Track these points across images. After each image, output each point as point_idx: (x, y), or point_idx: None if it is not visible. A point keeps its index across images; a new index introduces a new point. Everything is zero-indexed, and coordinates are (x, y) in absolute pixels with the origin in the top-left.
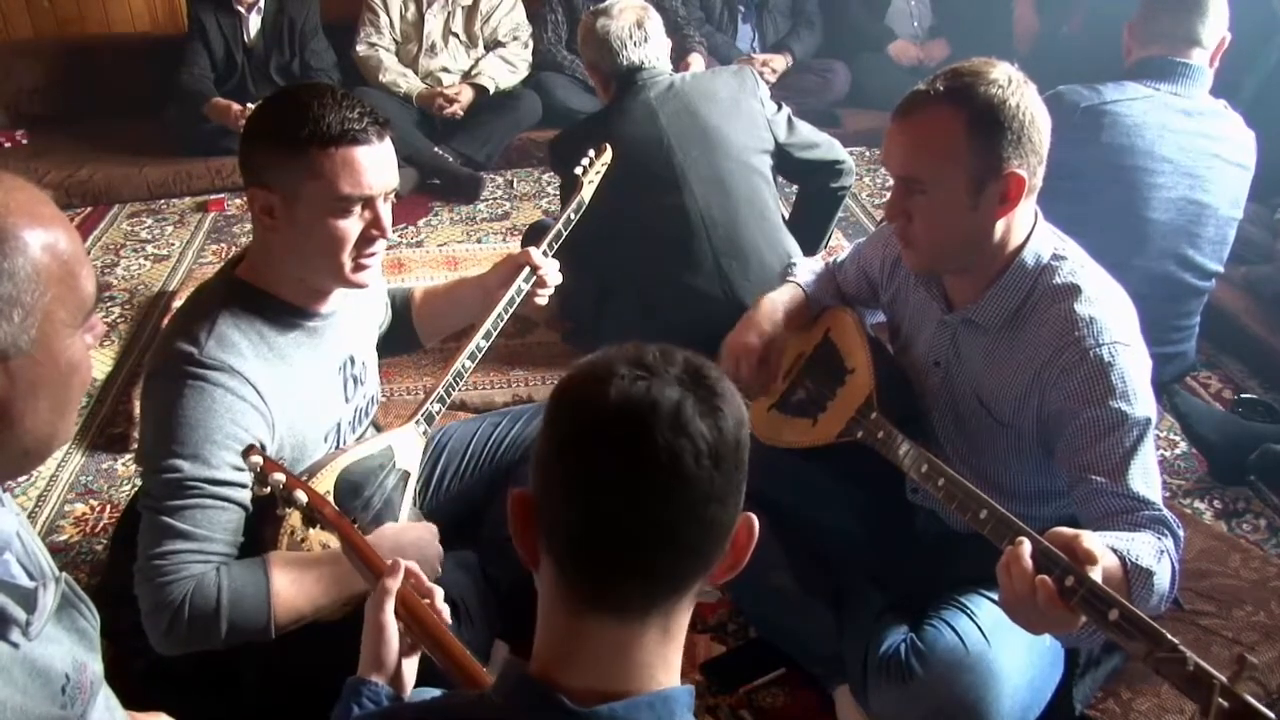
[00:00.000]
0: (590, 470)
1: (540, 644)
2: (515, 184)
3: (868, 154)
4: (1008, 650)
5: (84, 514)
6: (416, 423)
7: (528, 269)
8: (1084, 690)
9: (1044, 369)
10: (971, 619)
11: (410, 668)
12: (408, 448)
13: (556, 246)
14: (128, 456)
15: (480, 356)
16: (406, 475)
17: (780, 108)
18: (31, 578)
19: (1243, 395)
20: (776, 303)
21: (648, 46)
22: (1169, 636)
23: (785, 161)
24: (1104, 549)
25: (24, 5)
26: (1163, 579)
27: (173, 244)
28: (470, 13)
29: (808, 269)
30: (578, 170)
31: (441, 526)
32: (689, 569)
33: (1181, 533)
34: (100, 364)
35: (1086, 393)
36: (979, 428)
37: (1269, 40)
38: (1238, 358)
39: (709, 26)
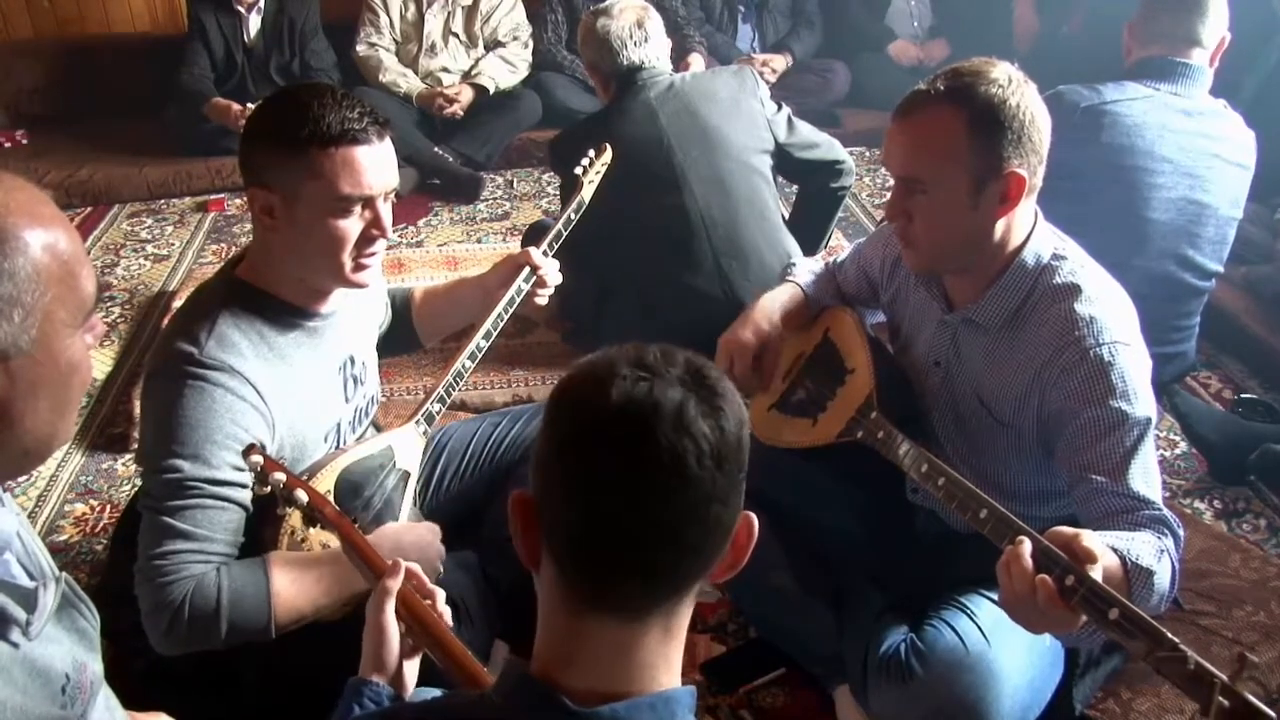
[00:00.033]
0: (590, 470)
1: (541, 644)
2: (515, 184)
3: (868, 154)
4: (1008, 650)
5: (84, 514)
6: (416, 423)
7: (528, 269)
8: (1084, 690)
9: (1044, 369)
10: (971, 619)
11: (412, 669)
12: (408, 448)
13: (556, 246)
14: (128, 456)
15: (480, 356)
16: (406, 475)
17: (780, 108)
18: (32, 578)
19: (1243, 395)
20: (774, 301)
21: (648, 46)
22: (1169, 635)
23: (785, 161)
24: (1104, 548)
25: (24, 5)
26: (1163, 578)
27: (173, 244)
28: (470, 13)
29: (807, 269)
30: (578, 170)
31: (442, 526)
32: (690, 569)
33: (1182, 532)
34: (100, 364)
35: (1087, 392)
36: (979, 428)
37: (1269, 40)
38: (1238, 358)
39: (709, 26)
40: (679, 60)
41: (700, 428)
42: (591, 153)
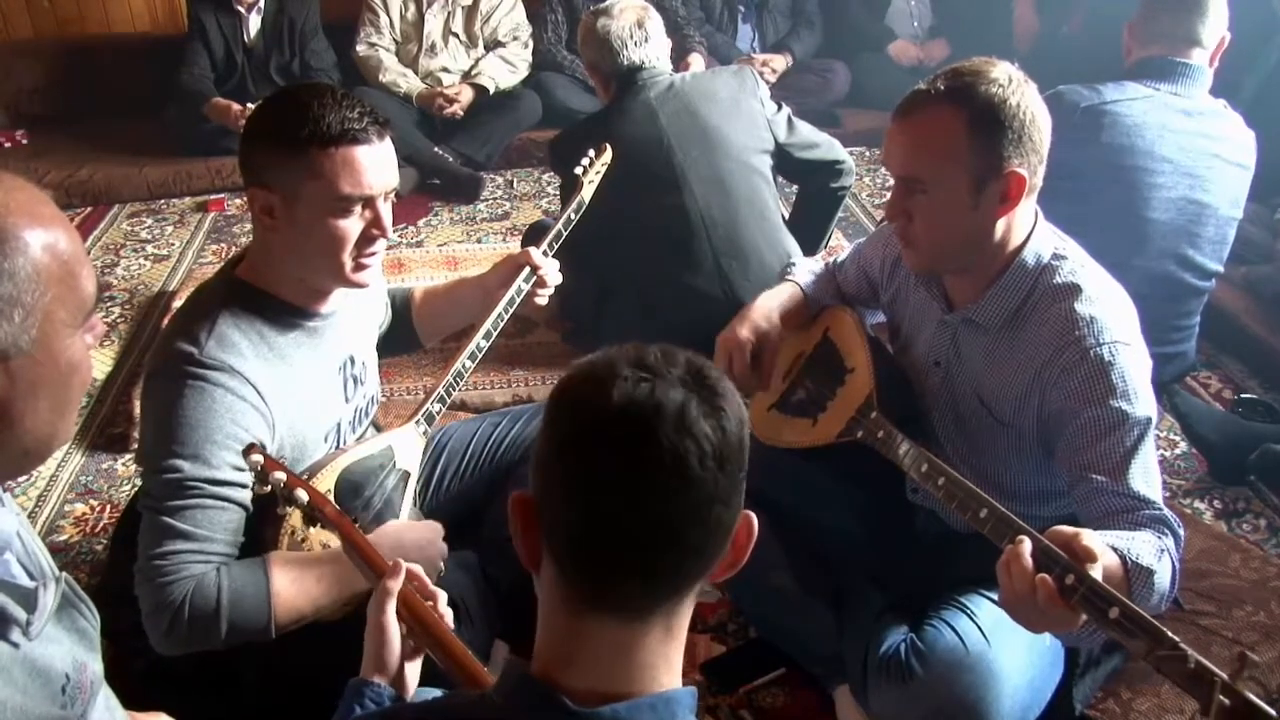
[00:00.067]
0: (591, 470)
1: (541, 644)
2: (515, 184)
3: (868, 154)
4: (1008, 650)
5: (84, 514)
6: (416, 423)
7: (528, 269)
8: (1084, 690)
9: (1044, 368)
10: (971, 619)
11: (413, 670)
12: (408, 448)
13: (556, 246)
14: (128, 456)
15: (480, 356)
16: (407, 475)
17: (780, 108)
18: (32, 577)
19: (1243, 395)
20: (773, 300)
21: (648, 46)
22: (1170, 634)
23: (785, 161)
24: (1104, 547)
25: (24, 5)
26: (1163, 578)
27: (173, 244)
28: (470, 13)
29: (807, 269)
30: (578, 170)
31: (442, 526)
32: (691, 569)
33: (1182, 532)
34: (100, 364)
35: (1087, 392)
36: (979, 427)
37: (1269, 40)
38: (1238, 358)
39: (709, 26)
40: (679, 60)
41: (702, 428)
42: (591, 153)
